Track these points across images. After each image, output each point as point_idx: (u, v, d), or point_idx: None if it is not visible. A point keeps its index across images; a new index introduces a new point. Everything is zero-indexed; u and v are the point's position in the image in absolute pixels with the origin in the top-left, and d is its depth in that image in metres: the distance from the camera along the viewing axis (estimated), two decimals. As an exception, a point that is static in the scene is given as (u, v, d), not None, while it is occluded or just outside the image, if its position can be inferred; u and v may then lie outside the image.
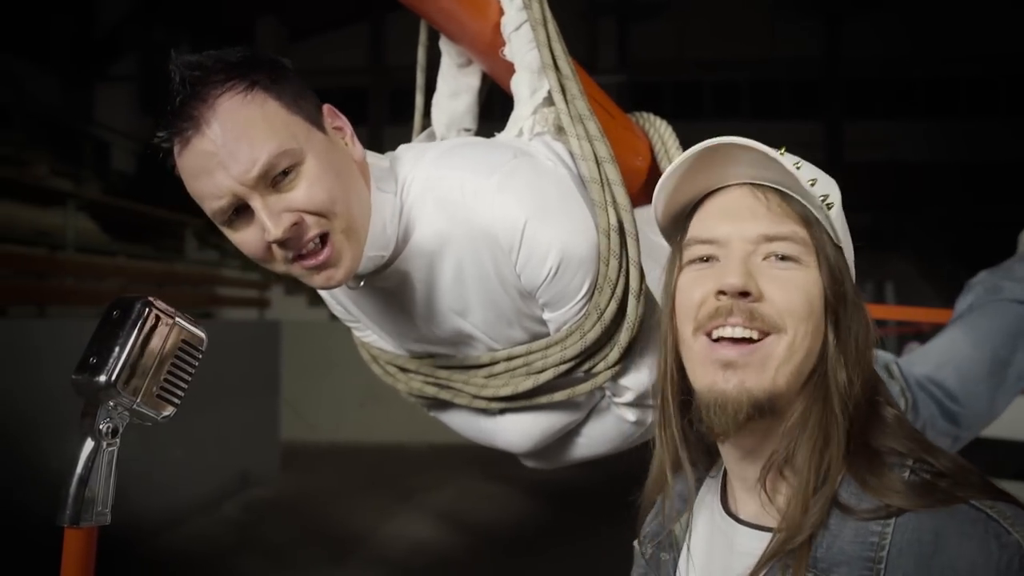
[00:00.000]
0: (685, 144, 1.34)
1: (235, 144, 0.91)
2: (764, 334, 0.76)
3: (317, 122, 0.99)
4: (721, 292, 0.77)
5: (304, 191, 0.95)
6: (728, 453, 0.83)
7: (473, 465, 5.82)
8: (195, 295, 7.12)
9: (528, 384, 1.17)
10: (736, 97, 13.13)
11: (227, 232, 0.99)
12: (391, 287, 1.12)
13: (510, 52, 1.17)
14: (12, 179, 5.82)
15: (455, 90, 1.32)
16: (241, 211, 0.95)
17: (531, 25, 1.15)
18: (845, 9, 12.49)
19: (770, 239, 0.77)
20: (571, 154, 1.13)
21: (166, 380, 0.79)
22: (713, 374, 0.77)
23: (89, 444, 0.77)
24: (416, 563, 4.76)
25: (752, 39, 12.47)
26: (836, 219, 0.80)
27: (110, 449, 0.77)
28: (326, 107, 1.02)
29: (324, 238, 0.98)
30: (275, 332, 7.13)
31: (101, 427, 0.76)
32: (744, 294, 0.76)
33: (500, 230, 1.03)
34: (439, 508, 5.86)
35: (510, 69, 1.18)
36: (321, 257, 0.98)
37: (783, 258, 0.77)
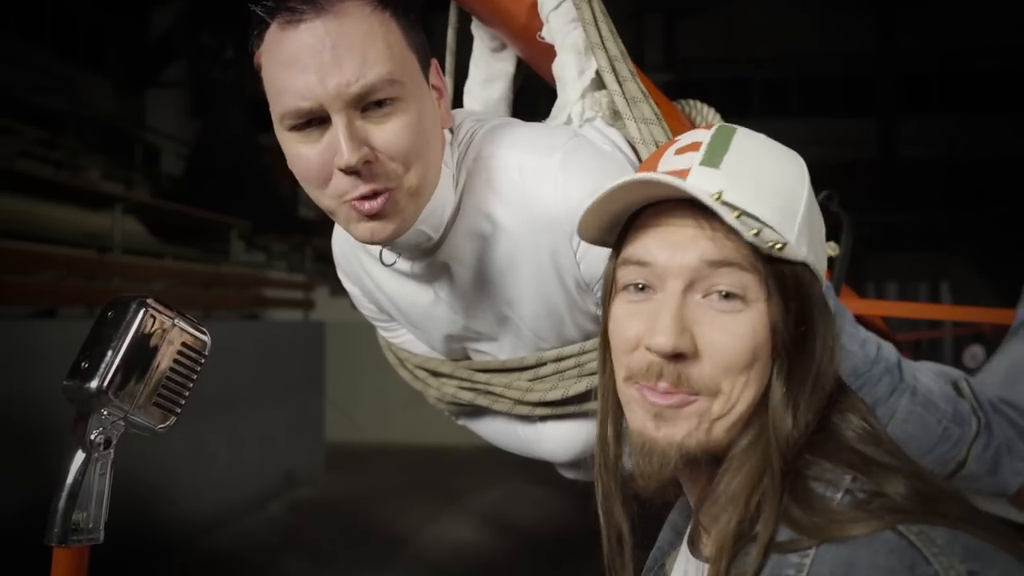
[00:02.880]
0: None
1: (346, 51, 0.83)
2: (696, 393, 0.67)
3: (425, 71, 0.92)
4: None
5: (392, 132, 0.86)
6: (686, 490, 0.76)
7: (518, 468, 5.74)
8: (241, 296, 7.18)
9: (580, 387, 1.07)
10: (786, 94, 12.88)
11: (287, 139, 0.88)
12: (433, 275, 1.04)
13: (549, 33, 1.08)
14: (63, 183, 5.92)
15: (488, 76, 1.24)
16: (315, 123, 0.86)
17: (574, 3, 1.06)
18: (898, 1, 12.18)
19: (713, 265, 0.66)
20: (628, 140, 1.05)
21: (165, 387, 0.73)
22: (644, 419, 0.70)
23: (79, 456, 0.71)
24: (459, 566, 4.72)
25: (802, 34, 12.23)
26: (800, 228, 0.68)
27: (103, 461, 0.71)
28: (434, 63, 0.94)
29: (385, 193, 0.89)
30: (320, 333, 7.16)
31: (93, 437, 0.71)
32: (676, 355, 0.66)
33: (564, 213, 0.93)
34: (483, 511, 5.81)
35: (548, 53, 1.10)
36: (376, 204, 0.88)
37: (727, 296, 0.67)
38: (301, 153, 0.87)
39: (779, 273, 0.67)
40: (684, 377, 0.67)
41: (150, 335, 0.72)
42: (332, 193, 0.89)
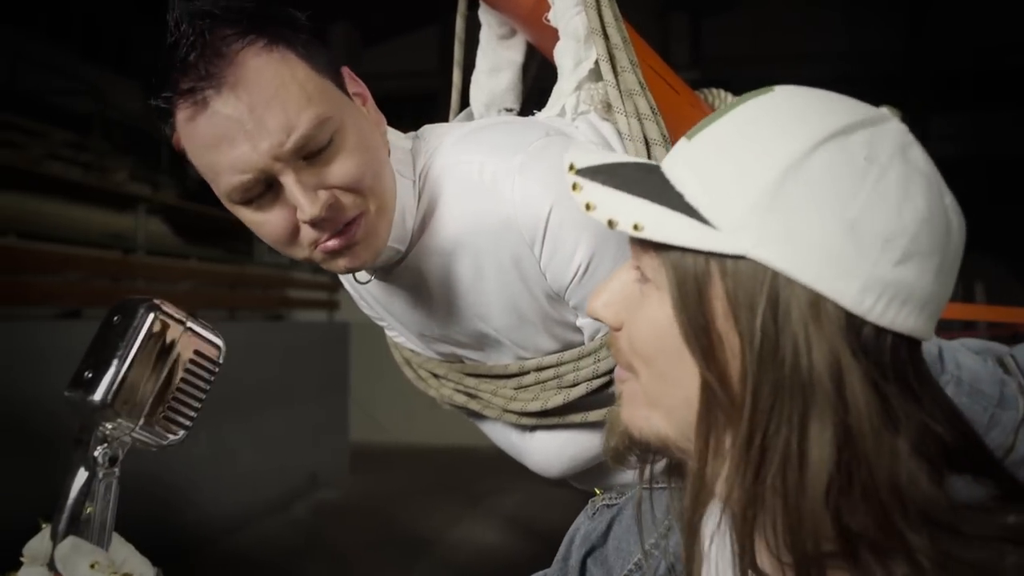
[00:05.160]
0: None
1: (265, 109, 0.78)
2: (628, 369, 0.60)
3: (343, 87, 0.87)
4: None
5: (341, 166, 0.82)
6: None
7: (541, 470, 5.70)
8: (266, 297, 7.19)
9: (558, 400, 1.02)
10: (814, 92, 12.71)
11: (242, 213, 0.85)
12: (406, 285, 1.00)
13: (554, 17, 1.03)
14: (87, 184, 5.95)
15: (495, 65, 1.18)
16: (263, 189, 0.82)
17: None
18: (929, -4, 11.99)
19: (640, 247, 0.57)
20: (620, 135, 0.99)
21: (175, 399, 0.68)
22: None
23: (82, 475, 0.65)
24: (483, 569, 4.67)
25: (830, 31, 12.06)
26: (750, 210, 0.52)
27: (107, 480, 0.66)
28: (344, 70, 0.90)
29: (356, 220, 0.86)
30: (344, 333, 7.15)
31: (96, 454, 0.65)
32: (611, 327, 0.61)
33: (521, 219, 0.88)
34: (507, 513, 5.76)
35: (557, 38, 1.05)
36: (343, 239, 0.85)
37: (643, 277, 0.58)
38: (260, 221, 0.85)
39: (678, 262, 0.54)
40: (615, 345, 0.60)
41: (160, 342, 0.66)
42: (304, 244, 0.85)
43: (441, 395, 1.16)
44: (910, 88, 12.34)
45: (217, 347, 0.71)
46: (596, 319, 0.61)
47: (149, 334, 0.65)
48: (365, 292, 1.09)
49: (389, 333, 1.21)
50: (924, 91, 12.27)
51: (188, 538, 4.42)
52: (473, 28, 1.19)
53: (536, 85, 1.22)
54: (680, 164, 0.56)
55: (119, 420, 0.65)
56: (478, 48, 1.20)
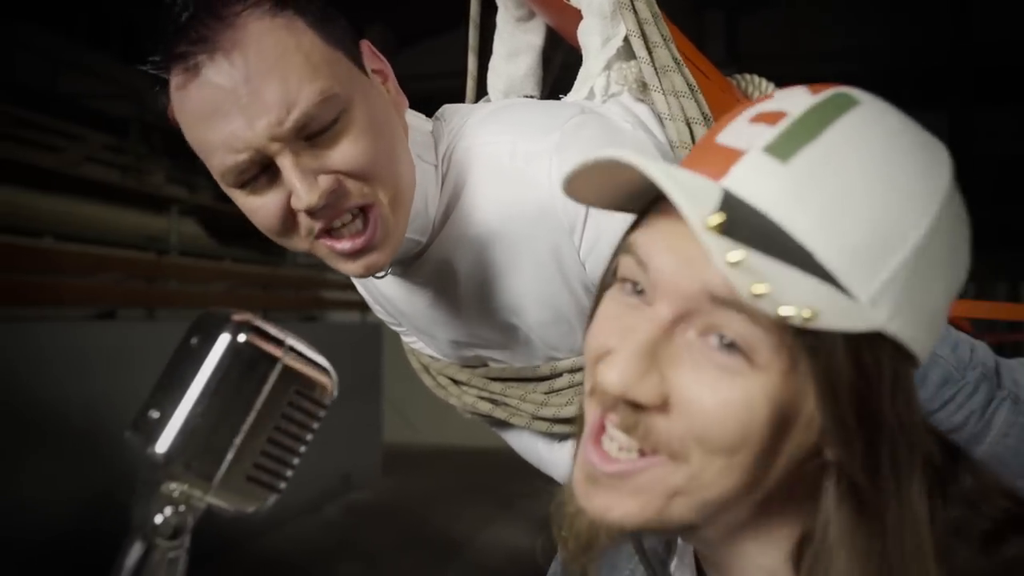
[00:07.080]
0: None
1: (262, 81, 0.70)
2: (653, 452, 0.49)
3: (359, 61, 0.79)
4: None
5: (347, 149, 0.74)
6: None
7: (574, 472, 5.62)
8: (299, 298, 7.21)
9: None
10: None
11: (236, 195, 0.78)
12: (426, 279, 0.92)
13: None
14: (120, 186, 6.01)
15: (513, 50, 1.12)
16: (260, 171, 0.75)
17: None
18: (974, -11, 11.71)
19: (717, 302, 0.45)
20: (657, 116, 0.91)
21: (265, 453, 0.51)
22: (578, 475, 0.53)
23: (138, 548, 0.49)
24: (514, 571, 4.62)
25: (870, 25, 11.84)
26: (888, 284, 0.45)
27: (170, 556, 0.50)
28: (364, 44, 0.82)
29: (364, 211, 0.77)
30: (377, 334, 7.14)
31: (158, 522, 0.49)
32: (633, 403, 0.47)
33: (560, 203, 0.80)
34: (539, 516, 5.69)
35: (579, 19, 0.99)
36: (361, 241, 0.77)
37: (730, 345, 0.46)
38: (254, 207, 0.77)
39: (815, 345, 0.44)
40: (644, 427, 0.48)
41: (248, 374, 0.49)
42: (304, 235, 0.78)
43: (463, 403, 1.09)
44: (954, 83, 12.06)
45: (328, 375, 0.53)
46: (619, 397, 0.48)
47: (233, 364, 0.49)
48: (379, 295, 1.03)
49: (406, 339, 1.14)
50: (969, 87, 11.99)
51: (221, 539, 4.43)
52: (490, 13, 1.13)
53: (555, 86, 1.17)
54: (785, 203, 0.45)
55: (185, 479, 0.49)
56: (495, 33, 1.15)
